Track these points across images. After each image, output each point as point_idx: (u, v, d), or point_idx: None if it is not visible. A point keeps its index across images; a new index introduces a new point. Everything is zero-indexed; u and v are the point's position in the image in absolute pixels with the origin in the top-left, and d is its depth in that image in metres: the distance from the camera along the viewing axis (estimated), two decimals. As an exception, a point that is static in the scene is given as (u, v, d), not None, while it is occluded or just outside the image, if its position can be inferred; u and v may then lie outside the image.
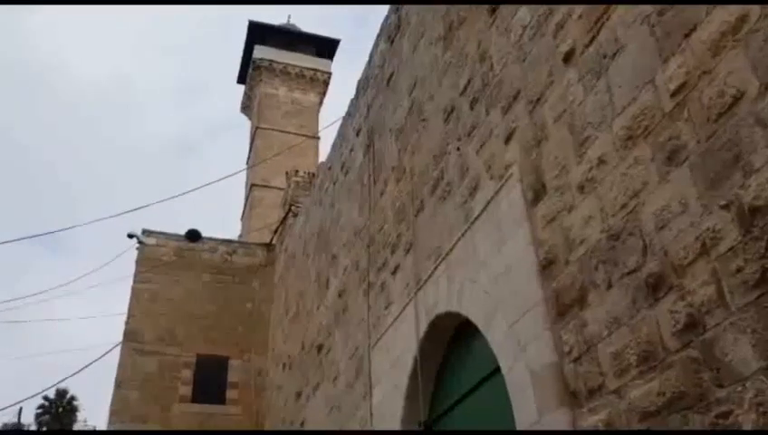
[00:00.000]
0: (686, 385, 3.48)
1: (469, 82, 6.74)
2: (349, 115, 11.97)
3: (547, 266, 4.91)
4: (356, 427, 8.77)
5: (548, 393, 4.63)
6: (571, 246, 4.65)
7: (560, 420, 4.45)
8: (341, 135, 12.40)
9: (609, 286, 4.19)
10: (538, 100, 5.33)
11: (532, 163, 5.30)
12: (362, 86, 11.13)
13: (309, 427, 11.43)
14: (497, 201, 5.74)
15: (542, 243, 5.00)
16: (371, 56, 10.75)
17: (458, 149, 6.80)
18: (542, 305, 4.86)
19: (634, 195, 4.06)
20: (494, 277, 5.63)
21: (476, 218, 6.06)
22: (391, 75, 9.51)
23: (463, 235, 6.30)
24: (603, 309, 4.22)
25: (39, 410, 50.00)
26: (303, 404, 12.07)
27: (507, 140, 5.77)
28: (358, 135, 11.02)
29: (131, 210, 16.53)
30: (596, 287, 4.32)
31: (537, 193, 5.18)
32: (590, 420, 4.19)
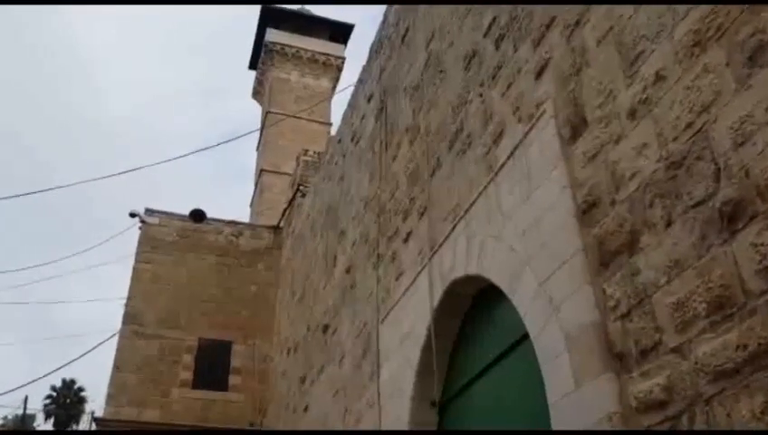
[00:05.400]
0: (776, 335, 2.74)
1: (494, 19, 6.00)
2: (360, 82, 11.25)
3: (587, 210, 4.18)
4: (363, 410, 8.05)
5: (587, 358, 3.90)
6: (618, 184, 3.91)
7: (603, 388, 3.71)
8: (352, 105, 11.68)
9: (669, 224, 3.45)
10: (577, 22, 4.59)
11: (570, 95, 4.56)
12: (375, 49, 10.41)
13: (313, 412, 10.72)
14: (526, 145, 5.00)
15: (582, 184, 4.26)
16: (385, 16, 10.04)
17: (481, 95, 6.07)
18: (581, 256, 4.12)
19: (703, 110, 3.32)
20: (521, 231, 4.90)
21: (501, 167, 5.33)
22: (406, 31, 8.79)
23: (485, 188, 5.57)
24: (661, 252, 3.47)
25: (47, 401, 49.75)
26: (307, 389, 11.37)
27: (539, 74, 5.04)
28: (369, 101, 10.30)
29: (120, 173, 15.96)
30: (651, 227, 3.58)
31: (575, 128, 4.43)
32: (643, 386, 3.45)
